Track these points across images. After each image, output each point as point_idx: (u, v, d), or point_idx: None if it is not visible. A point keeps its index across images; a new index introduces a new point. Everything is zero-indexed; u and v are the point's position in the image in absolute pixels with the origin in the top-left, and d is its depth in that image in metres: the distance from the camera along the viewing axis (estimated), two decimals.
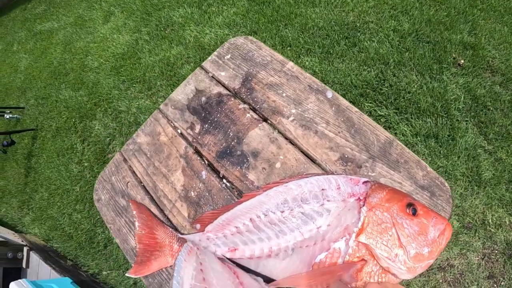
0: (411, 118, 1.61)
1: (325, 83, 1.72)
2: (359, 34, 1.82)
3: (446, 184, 0.65)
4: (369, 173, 0.67)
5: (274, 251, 0.60)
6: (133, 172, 0.86)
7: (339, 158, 0.69)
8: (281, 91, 0.78)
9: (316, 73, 1.77)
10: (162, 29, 2.44)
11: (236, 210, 0.66)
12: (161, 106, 0.88)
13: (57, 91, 2.74)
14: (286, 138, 0.73)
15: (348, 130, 0.71)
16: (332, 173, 0.67)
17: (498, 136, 1.50)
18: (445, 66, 1.66)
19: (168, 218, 0.77)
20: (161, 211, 0.78)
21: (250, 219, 0.63)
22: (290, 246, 0.59)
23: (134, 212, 0.78)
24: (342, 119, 0.72)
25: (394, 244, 0.54)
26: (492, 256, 1.39)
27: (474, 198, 1.45)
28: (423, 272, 1.45)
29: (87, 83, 2.59)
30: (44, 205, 2.40)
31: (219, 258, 0.63)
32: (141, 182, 0.84)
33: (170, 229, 0.72)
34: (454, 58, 1.69)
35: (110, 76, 2.47)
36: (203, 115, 0.81)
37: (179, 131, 0.83)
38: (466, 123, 1.54)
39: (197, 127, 0.81)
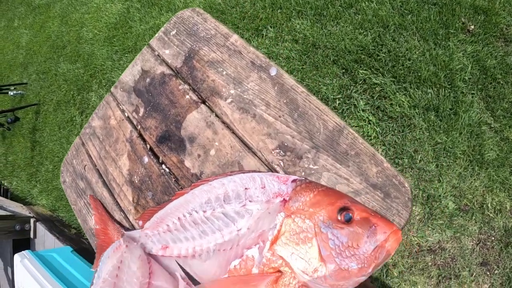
0: (410, 88, 1.52)
1: (316, 48, 1.67)
2: None
3: (406, 185, 0.57)
4: (311, 166, 0.62)
5: (197, 252, 0.60)
6: (89, 156, 0.90)
7: (277, 146, 0.65)
8: (221, 69, 0.75)
9: (307, 37, 1.68)
10: None
11: (167, 208, 0.68)
12: (112, 89, 0.90)
13: (56, 65, 2.83)
14: (223, 122, 0.72)
15: (290, 114, 0.66)
16: (258, 171, 0.66)
17: (506, 113, 1.39)
18: (452, 31, 1.52)
19: (117, 202, 0.81)
20: (111, 194, 0.83)
21: (178, 217, 0.65)
22: (211, 248, 0.59)
23: (92, 206, 0.85)
24: (284, 101, 0.67)
25: (313, 257, 0.48)
26: (488, 243, 1.35)
27: (474, 180, 1.39)
28: (410, 253, 1.45)
29: (83, 55, 2.64)
30: (50, 176, 2.59)
31: (152, 256, 0.66)
32: (95, 166, 0.88)
33: (117, 226, 0.77)
34: (463, 23, 1.54)
35: (104, 46, 2.50)
36: (146, 97, 0.82)
37: (126, 114, 0.85)
38: (472, 97, 1.43)
39: (141, 110, 0.82)
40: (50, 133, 2.66)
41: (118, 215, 0.80)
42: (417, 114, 1.49)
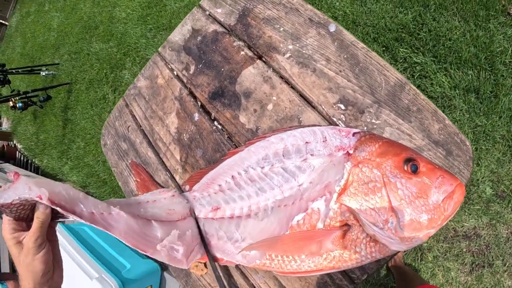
0: (451, 68, 1.43)
1: (356, 26, 1.59)
2: None
3: (467, 143, 0.54)
4: (373, 120, 0.59)
5: (253, 211, 0.57)
6: (134, 117, 0.87)
7: (339, 100, 0.62)
8: (278, 26, 0.71)
9: (347, 14, 1.62)
10: None
11: (219, 168, 0.64)
12: (160, 49, 0.86)
13: (88, 45, 2.84)
14: (281, 77, 0.68)
15: (351, 69, 0.62)
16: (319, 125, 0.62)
17: None
18: (492, 13, 1.42)
19: (162, 161, 0.78)
20: (157, 154, 0.80)
21: (232, 176, 0.61)
22: (269, 205, 0.55)
23: (133, 173, 0.82)
24: (345, 56, 0.63)
25: (383, 207, 0.45)
26: None
27: None
28: (446, 238, 1.38)
29: (116, 34, 2.63)
30: (81, 153, 2.61)
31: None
32: (140, 126, 0.85)
33: (163, 187, 0.74)
34: (503, 6, 1.44)
35: (137, 25, 2.48)
36: (198, 55, 0.78)
37: (175, 72, 0.81)
38: None
39: (192, 68, 0.78)
40: (82, 111, 2.68)
41: (163, 176, 0.77)
42: (457, 95, 1.41)
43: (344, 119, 0.61)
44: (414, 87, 0.59)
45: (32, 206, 0.45)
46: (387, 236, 0.45)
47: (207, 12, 0.81)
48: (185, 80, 0.78)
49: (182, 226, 0.62)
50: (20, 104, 2.52)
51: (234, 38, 0.75)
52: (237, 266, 0.65)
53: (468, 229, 1.37)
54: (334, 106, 0.62)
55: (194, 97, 0.76)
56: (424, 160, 0.47)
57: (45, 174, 2.89)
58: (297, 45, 0.68)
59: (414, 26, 1.51)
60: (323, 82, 0.64)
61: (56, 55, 3.19)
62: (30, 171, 3.00)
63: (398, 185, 0.46)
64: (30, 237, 0.44)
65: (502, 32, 1.41)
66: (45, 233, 0.46)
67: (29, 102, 2.58)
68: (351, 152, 0.51)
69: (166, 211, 0.62)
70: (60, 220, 0.49)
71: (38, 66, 3.04)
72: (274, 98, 0.67)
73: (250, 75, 0.70)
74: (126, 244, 0.53)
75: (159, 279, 1.65)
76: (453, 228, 1.38)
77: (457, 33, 1.45)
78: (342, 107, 0.61)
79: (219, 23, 0.78)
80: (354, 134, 0.53)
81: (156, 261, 1.67)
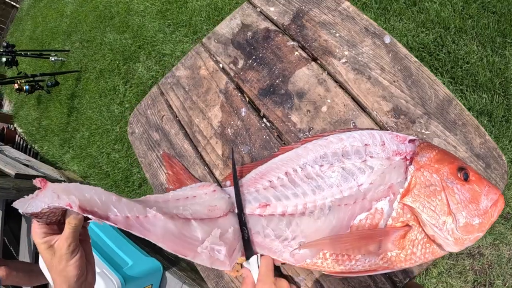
0: (466, 90, 1.46)
1: None
2: None
3: (504, 158, 0.58)
4: (423, 131, 0.60)
5: (309, 209, 0.55)
6: (169, 106, 0.84)
7: (392, 109, 0.62)
8: (334, 31, 0.70)
9: None
10: None
11: (271, 163, 0.62)
12: (204, 40, 0.85)
13: (102, 34, 2.79)
14: (336, 81, 0.67)
15: (404, 80, 0.63)
16: (374, 129, 0.61)
17: None
18: (509, 41, 1.47)
19: (200, 155, 0.76)
20: (195, 147, 0.77)
21: (286, 172, 0.59)
22: (327, 204, 0.54)
23: (165, 165, 0.78)
24: (398, 68, 0.64)
25: (443, 210, 0.48)
26: None
27: None
28: (451, 254, 1.39)
29: (132, 26, 2.59)
30: (84, 143, 2.54)
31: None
32: (176, 116, 0.82)
33: (200, 182, 0.71)
34: None
35: (156, 19, 2.44)
36: (247, 50, 0.77)
37: (220, 65, 0.79)
38: None
39: (240, 62, 0.77)
40: (90, 100, 2.61)
41: (200, 170, 0.74)
42: None
43: (396, 127, 0.61)
44: (460, 103, 0.61)
45: (63, 210, 0.43)
46: (444, 237, 0.48)
47: (258, 9, 0.80)
48: (232, 74, 0.77)
49: (223, 223, 0.59)
50: (27, 87, 2.45)
51: (287, 37, 0.74)
52: (277, 268, 0.63)
53: (473, 247, 1.38)
54: (388, 114, 0.62)
55: (242, 92, 0.74)
56: (473, 169, 0.51)
57: (44, 161, 2.80)
58: (353, 52, 0.68)
59: (434, 47, 1.54)
60: (377, 90, 0.64)
61: (67, 42, 3.13)
62: (29, 155, 2.91)
63: (455, 190, 0.49)
64: (62, 242, 0.43)
65: None
66: (78, 237, 0.44)
67: (36, 86, 2.51)
68: (408, 158, 0.53)
69: (207, 208, 0.60)
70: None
71: (48, 50, 2.97)
72: (329, 100, 0.66)
73: (304, 76, 0.69)
74: (165, 249, 0.49)
75: (160, 278, 1.61)
76: None
77: (475, 57, 1.49)
78: (395, 115, 0.62)
79: (272, 21, 0.77)
80: (409, 141, 0.54)
81: (159, 260, 1.62)
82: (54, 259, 0.43)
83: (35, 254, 2.17)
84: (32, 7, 4.15)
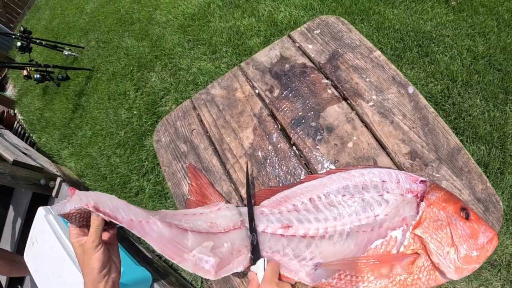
0: (466, 141, 1.58)
1: None
2: (433, 45, 1.78)
3: (501, 204, 0.67)
4: (434, 173, 0.69)
5: (329, 233, 0.62)
6: (201, 121, 0.91)
7: (409, 152, 0.71)
8: (365, 76, 0.80)
9: None
10: None
11: (296, 188, 0.69)
12: (242, 64, 0.93)
13: (119, 38, 2.86)
14: (362, 121, 0.75)
15: (422, 127, 0.73)
16: (391, 168, 0.69)
17: None
18: (510, 98, 1.61)
19: (228, 172, 0.81)
20: (223, 164, 0.83)
21: (310, 198, 0.66)
22: (345, 230, 0.62)
23: (190, 177, 0.83)
24: (418, 116, 0.74)
25: (447, 242, 0.57)
26: None
27: (507, 238, 1.42)
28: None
29: (152, 36, 2.66)
30: (86, 142, 2.55)
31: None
32: (207, 132, 0.89)
33: (223, 197, 0.77)
34: None
35: (176, 33, 2.52)
36: (284, 81, 0.85)
37: (256, 91, 0.87)
38: None
39: (276, 91, 0.85)
40: (98, 100, 2.65)
41: (226, 186, 0.80)
42: None
43: (411, 168, 0.70)
44: (468, 153, 0.71)
45: (89, 215, 0.55)
46: (447, 265, 0.56)
47: (297, 44, 0.89)
48: (267, 101, 0.85)
49: (221, 238, 0.65)
50: (38, 76, 2.48)
51: (322, 75, 0.82)
52: (292, 286, 0.68)
53: None
54: (405, 156, 0.71)
55: (275, 119, 0.82)
56: (473, 211, 0.60)
57: (41, 152, 2.79)
58: (380, 97, 0.77)
59: (441, 97, 1.66)
60: (398, 134, 0.73)
61: (83, 39, 3.20)
62: (26, 143, 2.90)
63: (458, 226, 0.58)
64: (88, 239, 0.54)
65: None
66: (100, 235, 0.55)
67: (47, 77, 2.55)
68: (419, 196, 0.62)
69: (208, 223, 0.66)
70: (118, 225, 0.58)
71: (63, 43, 3.03)
72: (355, 138, 0.74)
73: (335, 113, 0.77)
74: (156, 250, 0.58)
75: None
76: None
77: (477, 110, 1.61)
78: (412, 158, 0.71)
79: (309, 58, 0.86)
80: (421, 181, 0.63)
81: (149, 271, 1.63)
82: (83, 254, 0.55)
83: (18, 245, 2.14)
84: None
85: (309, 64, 0.85)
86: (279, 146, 0.78)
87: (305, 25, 0.91)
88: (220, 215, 0.69)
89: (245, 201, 0.76)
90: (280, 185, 0.75)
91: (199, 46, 2.38)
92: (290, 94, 0.83)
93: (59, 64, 2.95)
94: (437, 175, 0.69)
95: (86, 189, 2.40)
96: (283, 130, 0.80)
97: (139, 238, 1.99)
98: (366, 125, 0.75)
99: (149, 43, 2.65)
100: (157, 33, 2.65)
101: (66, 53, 2.97)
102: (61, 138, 2.73)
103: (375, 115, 0.75)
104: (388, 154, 0.72)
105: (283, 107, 0.82)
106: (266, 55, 0.91)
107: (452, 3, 1.87)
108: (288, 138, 0.79)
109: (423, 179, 0.63)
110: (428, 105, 0.76)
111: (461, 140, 1.59)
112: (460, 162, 0.70)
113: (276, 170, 0.76)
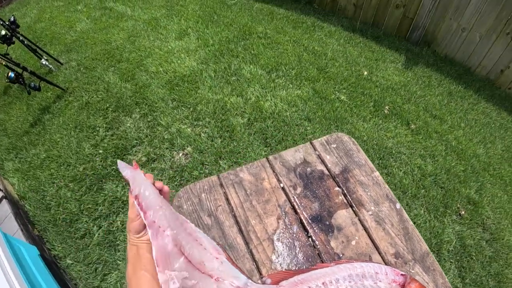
0: None
1: None
2: (391, 159, 2.25)
3: None
4: (410, 270, 0.96)
5: None
6: (227, 199, 1.07)
7: (395, 253, 0.98)
8: (367, 190, 1.08)
9: None
10: (229, 74, 2.70)
11: (312, 273, 0.90)
12: (270, 158, 1.16)
13: (103, 70, 2.89)
14: (363, 225, 1.02)
15: (404, 235, 1.02)
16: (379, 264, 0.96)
17: (473, 282, 1.87)
18: (449, 211, 2.09)
19: (251, 252, 0.97)
20: (246, 243, 0.98)
21: (323, 282, 0.87)
22: None
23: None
24: (402, 226, 1.03)
25: None
26: None
27: None
28: None
29: (138, 81, 2.70)
30: (36, 163, 2.39)
31: None
32: (233, 211, 1.05)
33: (245, 274, 0.88)
34: (457, 208, 2.13)
35: (163, 87, 2.60)
36: (305, 181, 1.09)
37: (281, 185, 1.09)
38: (450, 264, 1.91)
39: (299, 189, 1.08)
40: (63, 125, 2.56)
41: (249, 264, 0.95)
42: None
43: (395, 264, 0.97)
44: (433, 257, 1.00)
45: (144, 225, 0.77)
46: None
47: (317, 153, 1.16)
48: (290, 195, 1.07)
49: (195, 276, 0.76)
50: (12, 75, 2.35)
51: (335, 183, 1.09)
52: None
53: None
54: (392, 255, 0.98)
55: (296, 212, 1.04)
56: None
57: None
58: (376, 209, 1.05)
59: None
60: (387, 238, 1.01)
61: (64, 55, 3.12)
62: None
63: None
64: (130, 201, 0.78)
65: (452, 227, 2.04)
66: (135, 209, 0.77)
67: (20, 79, 2.41)
68: (400, 285, 0.86)
69: (199, 259, 0.79)
70: None
71: (43, 51, 2.92)
72: (357, 238, 0.99)
73: (343, 216, 1.02)
74: (153, 253, 0.74)
75: None
76: None
77: (421, 219, 2.04)
78: (395, 257, 0.98)
79: (326, 166, 1.13)
80: (401, 274, 0.89)
81: None
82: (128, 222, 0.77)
83: None
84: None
85: (326, 172, 1.12)
86: (298, 236, 0.99)
87: (324, 137, 1.20)
88: (209, 258, 0.80)
89: (263, 279, 0.92)
90: (296, 268, 0.94)
91: (183, 108, 2.48)
92: (310, 194, 1.07)
93: (34, 70, 2.80)
94: (412, 271, 0.96)
95: (26, 213, 2.20)
96: (302, 223, 1.02)
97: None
98: (366, 229, 1.01)
99: (133, 87, 2.67)
100: (144, 80, 2.70)
101: (44, 62, 2.88)
102: (9, 148, 2.51)
103: (373, 222, 1.02)
104: (379, 253, 0.98)
105: (303, 204, 1.05)
106: (292, 155, 1.15)
107: (412, 126, 2.42)
108: (306, 231, 1.00)
109: (403, 273, 0.89)
110: (409, 219, 1.06)
111: None
112: (428, 263, 0.98)
113: (295, 258, 0.96)
